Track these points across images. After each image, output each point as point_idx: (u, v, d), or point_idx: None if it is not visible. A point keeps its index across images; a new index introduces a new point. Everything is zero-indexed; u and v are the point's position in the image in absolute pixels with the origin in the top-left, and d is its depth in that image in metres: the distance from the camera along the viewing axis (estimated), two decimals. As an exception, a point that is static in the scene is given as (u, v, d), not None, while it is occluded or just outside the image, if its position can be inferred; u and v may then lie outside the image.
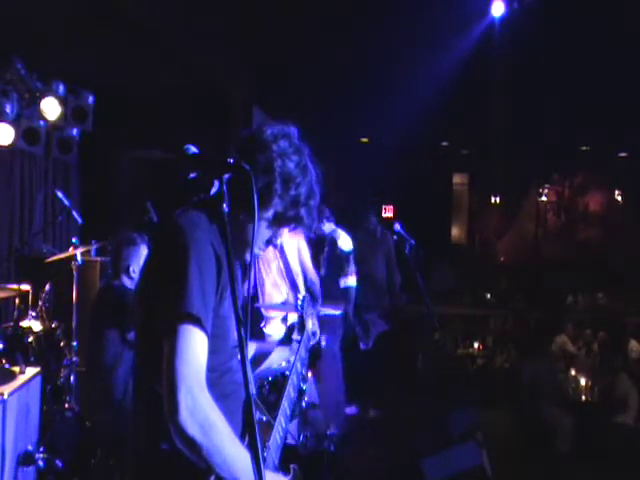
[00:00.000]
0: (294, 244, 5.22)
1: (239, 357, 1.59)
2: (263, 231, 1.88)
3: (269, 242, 1.93)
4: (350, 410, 6.87)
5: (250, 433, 1.51)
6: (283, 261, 5.23)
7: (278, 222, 1.88)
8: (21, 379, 3.57)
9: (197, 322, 1.63)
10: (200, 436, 1.61)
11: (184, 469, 1.69)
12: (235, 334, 1.55)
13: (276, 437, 2.03)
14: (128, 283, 3.95)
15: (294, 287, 5.23)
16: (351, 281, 5.87)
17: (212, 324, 1.69)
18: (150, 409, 1.74)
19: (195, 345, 1.64)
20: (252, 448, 1.50)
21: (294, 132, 1.92)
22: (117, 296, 3.87)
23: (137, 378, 1.88)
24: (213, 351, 1.70)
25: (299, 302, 2.80)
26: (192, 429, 1.60)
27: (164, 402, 1.62)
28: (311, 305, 2.78)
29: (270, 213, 1.85)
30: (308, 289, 5.10)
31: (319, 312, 5.05)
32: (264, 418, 2.03)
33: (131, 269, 3.92)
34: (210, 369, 1.69)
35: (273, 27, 6.70)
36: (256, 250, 1.91)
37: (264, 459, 1.92)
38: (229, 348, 1.80)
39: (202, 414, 1.62)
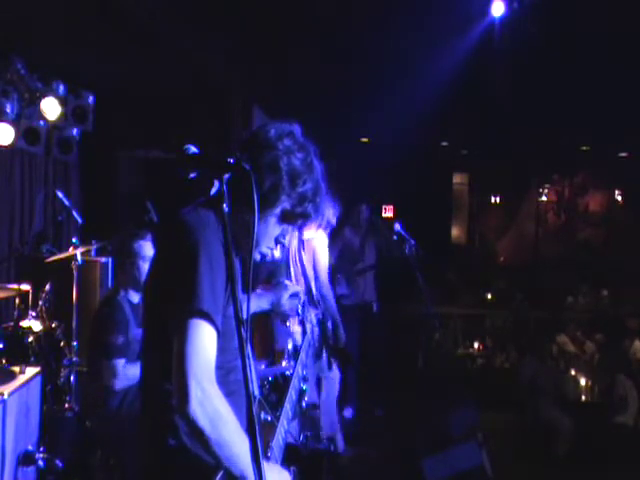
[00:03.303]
0: (310, 250, 5.19)
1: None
2: (271, 229, 1.90)
3: (277, 241, 1.94)
4: (347, 412, 6.86)
5: (250, 432, 1.52)
6: (300, 263, 5.22)
7: (286, 219, 1.90)
8: (21, 379, 3.57)
9: (207, 318, 1.66)
10: (209, 428, 1.62)
11: (192, 465, 1.71)
12: None
13: (279, 438, 2.04)
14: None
15: (308, 291, 5.24)
16: None
17: (221, 322, 1.71)
18: (158, 406, 1.76)
19: (205, 339, 1.65)
20: (252, 447, 1.51)
21: (298, 129, 1.92)
22: (120, 307, 3.84)
23: (144, 376, 1.88)
24: (220, 349, 1.72)
25: (299, 307, 2.79)
26: (202, 421, 1.62)
27: (174, 395, 1.63)
28: (310, 309, 2.77)
29: (278, 211, 1.87)
30: (320, 297, 5.10)
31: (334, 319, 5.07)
32: (269, 418, 2.05)
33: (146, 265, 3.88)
34: (217, 367, 1.70)
35: (273, 27, 6.70)
36: (264, 249, 1.92)
37: (267, 459, 1.93)
38: (234, 347, 1.80)
39: (211, 406, 1.63)
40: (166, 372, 1.66)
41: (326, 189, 1.95)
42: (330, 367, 5.08)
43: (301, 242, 5.18)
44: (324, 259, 5.13)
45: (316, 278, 5.14)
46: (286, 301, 2.62)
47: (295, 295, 2.66)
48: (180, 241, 1.74)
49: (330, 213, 5.15)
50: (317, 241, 5.17)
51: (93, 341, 3.89)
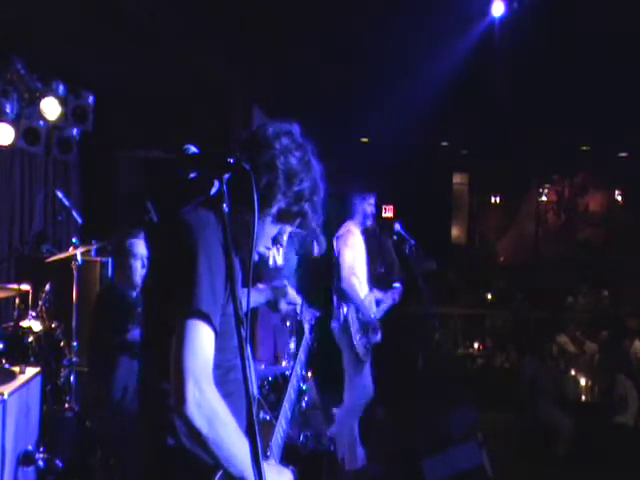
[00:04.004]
0: (337, 247, 5.20)
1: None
2: (269, 229, 1.89)
3: (275, 240, 1.94)
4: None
5: (250, 432, 1.52)
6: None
7: (282, 218, 1.89)
8: (21, 379, 3.57)
9: (206, 318, 1.66)
10: (206, 428, 1.62)
11: (191, 465, 1.71)
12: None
13: (277, 438, 2.05)
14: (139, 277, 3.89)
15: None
16: None
17: (220, 322, 1.71)
18: (156, 405, 1.76)
19: (203, 340, 1.66)
20: (252, 447, 1.51)
21: (296, 129, 1.92)
22: (118, 297, 3.85)
23: (143, 376, 1.89)
24: (219, 349, 1.72)
25: (297, 307, 2.79)
26: (199, 421, 1.62)
27: (171, 395, 1.63)
28: (309, 310, 2.77)
29: (274, 210, 1.86)
30: (340, 292, 5.13)
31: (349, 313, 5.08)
32: (267, 417, 2.05)
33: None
34: (216, 366, 1.70)
35: (273, 27, 6.70)
36: (261, 249, 1.92)
37: (267, 458, 1.93)
38: (234, 346, 1.80)
39: (209, 406, 1.63)
40: (165, 372, 1.66)
41: (324, 188, 1.94)
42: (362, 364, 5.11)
43: (338, 238, 5.20)
44: (348, 256, 5.12)
45: (339, 274, 5.14)
46: (284, 305, 2.63)
47: (292, 304, 2.66)
48: (179, 241, 1.74)
49: (367, 205, 5.19)
50: (344, 239, 5.17)
51: (93, 340, 3.89)
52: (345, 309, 5.14)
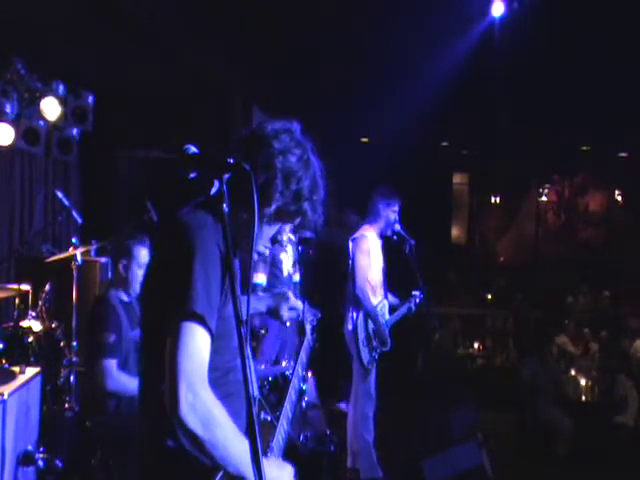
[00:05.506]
0: (352, 250, 5.17)
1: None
2: (267, 228, 1.89)
3: (274, 239, 1.93)
4: (343, 406, 6.85)
5: (250, 432, 1.52)
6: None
7: (281, 217, 1.89)
8: (21, 379, 3.57)
9: (201, 321, 1.65)
10: (201, 430, 1.62)
11: (191, 466, 1.71)
12: None
13: (278, 438, 2.05)
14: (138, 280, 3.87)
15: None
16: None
17: (216, 324, 1.70)
18: (156, 407, 1.75)
19: (198, 342, 1.65)
20: (252, 448, 1.51)
21: (296, 127, 1.92)
22: (116, 299, 3.84)
23: (142, 378, 1.88)
24: (217, 350, 1.72)
25: (299, 312, 2.79)
26: (193, 423, 1.62)
27: (166, 398, 1.63)
28: (310, 310, 2.77)
29: (272, 209, 1.85)
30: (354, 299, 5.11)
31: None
32: (268, 418, 2.05)
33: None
34: (214, 368, 1.70)
35: (273, 27, 6.70)
36: (261, 248, 1.92)
37: (266, 457, 1.93)
38: (233, 347, 1.80)
39: (203, 409, 1.63)
40: (163, 373, 1.66)
41: (324, 187, 1.94)
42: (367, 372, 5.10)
43: (352, 241, 5.17)
44: (362, 261, 5.08)
45: (354, 279, 5.11)
46: (285, 312, 2.63)
47: (293, 309, 2.66)
48: (176, 242, 1.74)
49: (390, 212, 5.14)
50: (359, 243, 5.13)
51: (88, 341, 3.89)
52: (355, 315, 5.13)
